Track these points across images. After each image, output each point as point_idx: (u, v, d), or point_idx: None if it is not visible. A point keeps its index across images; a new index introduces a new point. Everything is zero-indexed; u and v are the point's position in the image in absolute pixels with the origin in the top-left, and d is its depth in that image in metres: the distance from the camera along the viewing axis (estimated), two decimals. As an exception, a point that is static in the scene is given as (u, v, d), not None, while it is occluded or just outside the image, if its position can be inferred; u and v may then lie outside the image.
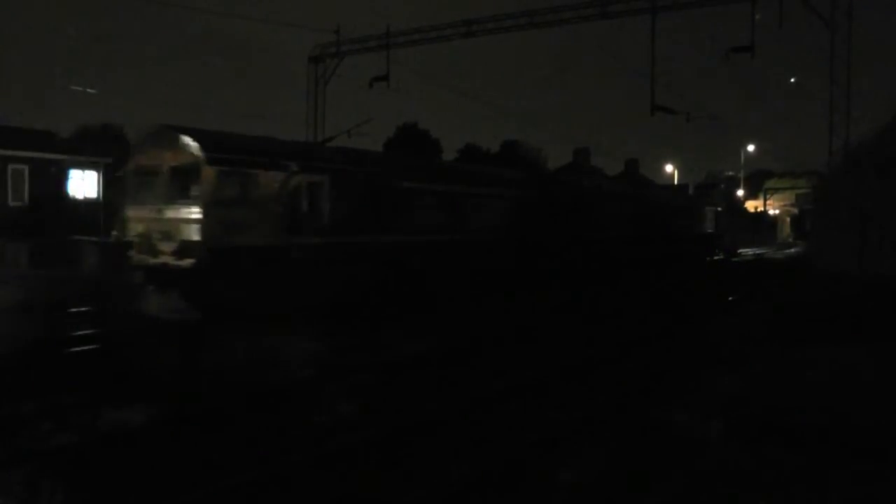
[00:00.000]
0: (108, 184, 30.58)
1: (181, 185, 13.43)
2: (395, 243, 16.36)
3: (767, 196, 73.86)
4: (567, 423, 7.46)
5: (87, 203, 29.51)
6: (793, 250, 50.09)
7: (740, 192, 70.97)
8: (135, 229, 14.10)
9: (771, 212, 73.75)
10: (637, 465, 6.23)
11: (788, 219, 71.13)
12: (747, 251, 49.19)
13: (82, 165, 29.62)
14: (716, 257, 38.56)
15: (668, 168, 68.73)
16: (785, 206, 73.02)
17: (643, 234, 28.32)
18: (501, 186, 20.84)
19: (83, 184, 29.60)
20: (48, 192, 27.90)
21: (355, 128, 32.72)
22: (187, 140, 13.53)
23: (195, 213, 13.07)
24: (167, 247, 13.29)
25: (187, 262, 12.89)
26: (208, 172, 13.17)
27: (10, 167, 27.09)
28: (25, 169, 27.50)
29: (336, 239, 14.94)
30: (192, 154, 13.36)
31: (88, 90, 32.22)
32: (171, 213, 13.38)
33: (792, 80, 47.97)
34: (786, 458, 6.11)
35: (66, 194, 28.93)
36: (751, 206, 72.55)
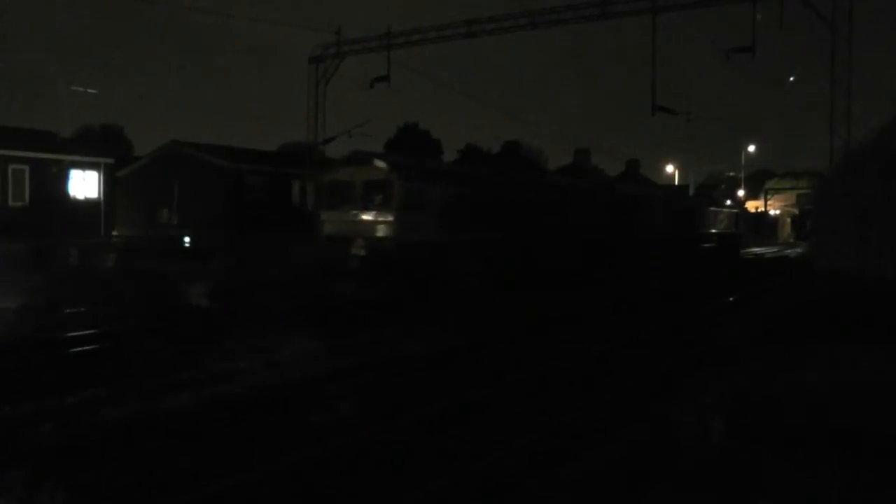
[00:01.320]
0: (108, 184, 30.60)
1: (373, 195, 17.65)
2: (519, 240, 20.75)
3: (768, 196, 73.81)
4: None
5: (87, 203, 29.51)
6: (793, 251, 50.14)
7: (741, 193, 70.89)
8: (329, 229, 18.35)
9: (772, 212, 73.72)
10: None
11: (789, 219, 71.07)
12: (749, 251, 49.45)
13: (83, 166, 29.61)
14: (737, 254, 42.38)
15: (669, 168, 68.68)
16: (786, 206, 72.96)
17: (682, 233, 32.93)
18: (590, 196, 26.40)
19: (84, 184, 29.59)
20: (49, 193, 27.88)
21: (355, 128, 32.83)
22: (380, 162, 18.07)
23: (387, 217, 17.20)
24: (358, 242, 17.28)
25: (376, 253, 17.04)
26: (398, 186, 17.36)
27: (11, 167, 27.06)
28: (26, 169, 27.48)
29: (478, 236, 19.31)
30: (385, 172, 17.63)
31: (89, 90, 32.32)
32: (364, 216, 17.64)
33: (791, 78, 47.99)
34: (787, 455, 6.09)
35: (67, 194, 28.92)
36: (751, 206, 72.46)
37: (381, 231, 17.37)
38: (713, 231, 38.48)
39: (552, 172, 40.33)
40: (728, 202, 47.85)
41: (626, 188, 32.56)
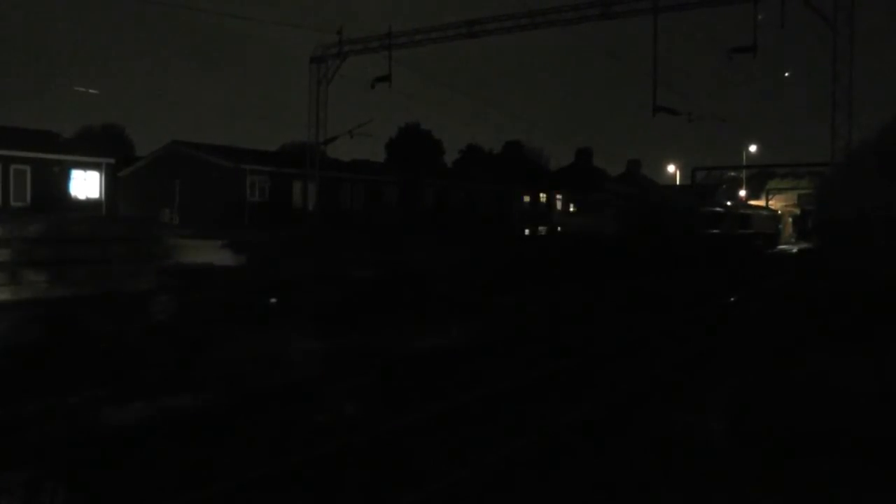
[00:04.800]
0: (110, 184, 30.65)
1: (595, 209, 32.81)
2: (665, 239, 30.11)
3: (770, 196, 73.74)
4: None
5: (89, 203, 29.56)
6: (795, 249, 50.76)
7: (742, 193, 70.80)
8: (563, 228, 34.14)
9: (773, 212, 73.55)
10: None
11: (790, 219, 71.05)
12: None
13: (84, 166, 29.67)
14: (775, 249, 51.56)
15: (671, 168, 68.67)
16: (787, 206, 72.91)
17: (742, 233, 44.59)
18: (693, 210, 38.76)
19: (85, 184, 29.64)
20: (50, 193, 27.93)
21: (356, 128, 32.79)
22: (604, 189, 36.46)
23: (609, 222, 29.72)
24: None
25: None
26: (615, 206, 32.25)
27: (13, 167, 27.13)
28: (28, 169, 27.55)
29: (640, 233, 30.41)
30: (607, 195, 31.69)
31: (91, 91, 32.44)
32: (583, 220, 31.81)
33: (787, 73, 48.89)
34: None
35: (69, 194, 28.97)
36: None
37: (605, 229, 29.41)
38: (760, 231, 49.54)
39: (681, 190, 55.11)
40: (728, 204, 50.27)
41: (714, 205, 45.05)
